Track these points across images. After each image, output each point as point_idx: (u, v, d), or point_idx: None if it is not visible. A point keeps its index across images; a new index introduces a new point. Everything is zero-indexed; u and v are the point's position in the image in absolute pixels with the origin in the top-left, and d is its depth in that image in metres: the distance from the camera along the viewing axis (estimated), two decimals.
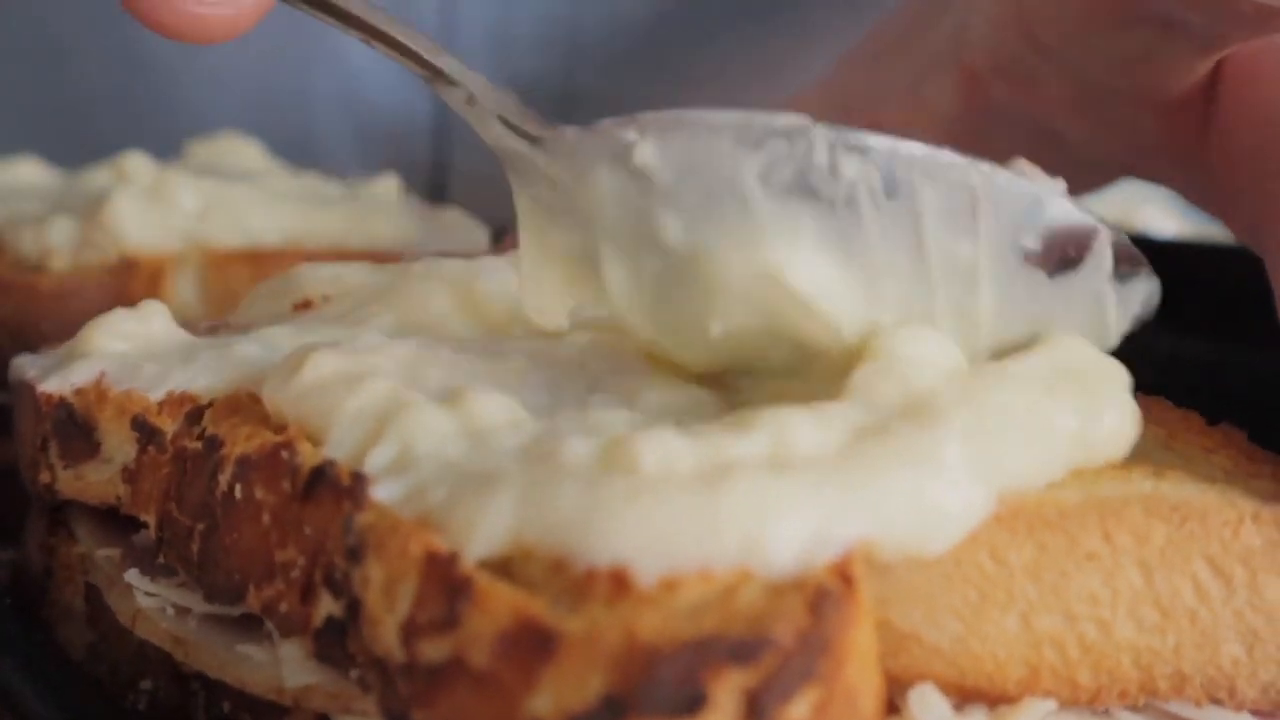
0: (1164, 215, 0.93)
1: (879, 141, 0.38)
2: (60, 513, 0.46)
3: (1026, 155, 0.52)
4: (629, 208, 0.39)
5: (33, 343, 0.49)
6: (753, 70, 0.94)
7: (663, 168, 0.39)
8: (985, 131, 0.51)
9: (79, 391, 0.44)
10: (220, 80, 0.95)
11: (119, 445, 0.43)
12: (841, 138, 0.38)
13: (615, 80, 0.92)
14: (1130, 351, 0.43)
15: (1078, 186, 0.55)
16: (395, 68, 0.43)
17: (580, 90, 0.90)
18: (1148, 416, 0.41)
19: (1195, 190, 0.49)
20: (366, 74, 0.93)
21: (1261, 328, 0.43)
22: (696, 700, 0.29)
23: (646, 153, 0.38)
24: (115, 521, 0.44)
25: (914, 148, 0.39)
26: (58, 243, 0.61)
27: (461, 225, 0.71)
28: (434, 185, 0.93)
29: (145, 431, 0.42)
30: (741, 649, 0.30)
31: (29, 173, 0.73)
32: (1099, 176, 0.54)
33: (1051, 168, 0.53)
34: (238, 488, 0.38)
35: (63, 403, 0.44)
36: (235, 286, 0.60)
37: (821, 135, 0.38)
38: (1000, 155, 0.53)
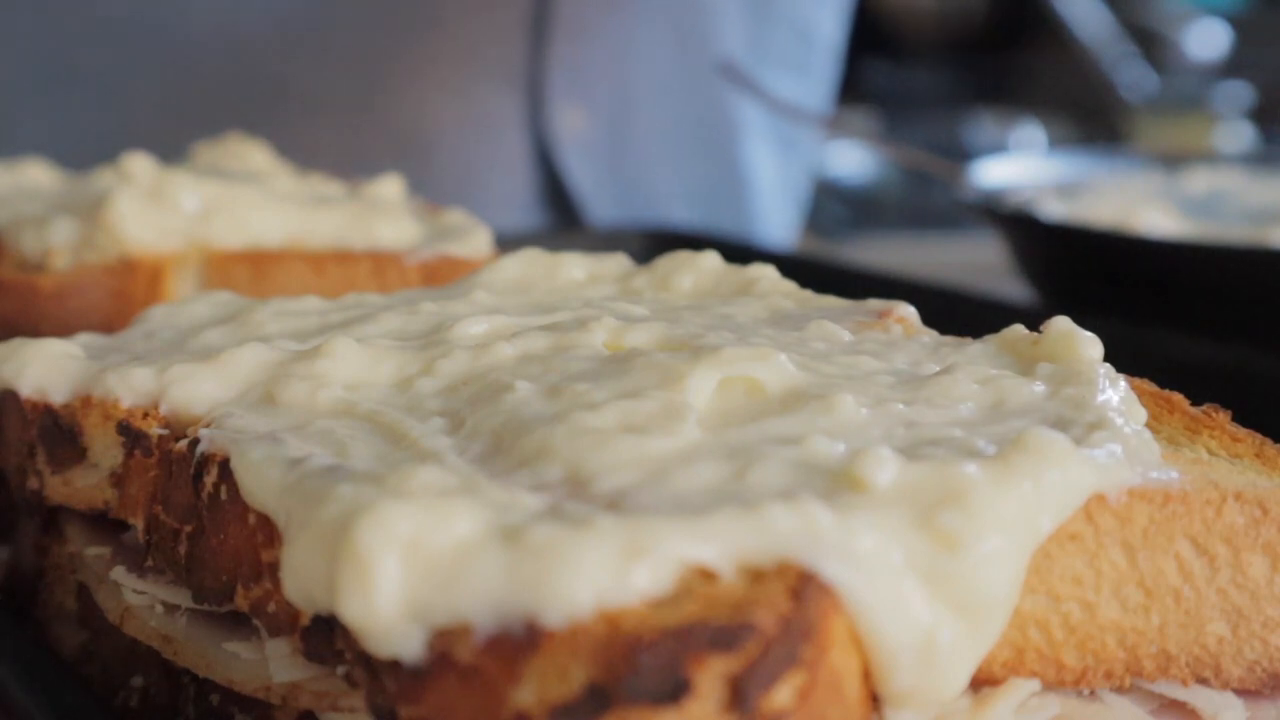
0: (1164, 215, 0.91)
1: None
2: (52, 515, 0.46)
3: None
4: None
5: None
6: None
7: None
8: None
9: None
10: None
11: (105, 450, 0.43)
12: None
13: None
14: (1130, 350, 0.43)
15: None
16: None
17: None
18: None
19: None
20: None
21: (1261, 327, 0.43)
22: (680, 688, 0.29)
23: None
24: (105, 525, 0.44)
25: None
26: (59, 243, 0.62)
27: (463, 225, 0.71)
28: None
29: (131, 436, 0.42)
30: (723, 636, 0.30)
31: (33, 174, 0.74)
32: None
33: None
34: (223, 489, 0.38)
35: (48, 409, 0.44)
36: (235, 286, 0.60)
37: None
38: None
